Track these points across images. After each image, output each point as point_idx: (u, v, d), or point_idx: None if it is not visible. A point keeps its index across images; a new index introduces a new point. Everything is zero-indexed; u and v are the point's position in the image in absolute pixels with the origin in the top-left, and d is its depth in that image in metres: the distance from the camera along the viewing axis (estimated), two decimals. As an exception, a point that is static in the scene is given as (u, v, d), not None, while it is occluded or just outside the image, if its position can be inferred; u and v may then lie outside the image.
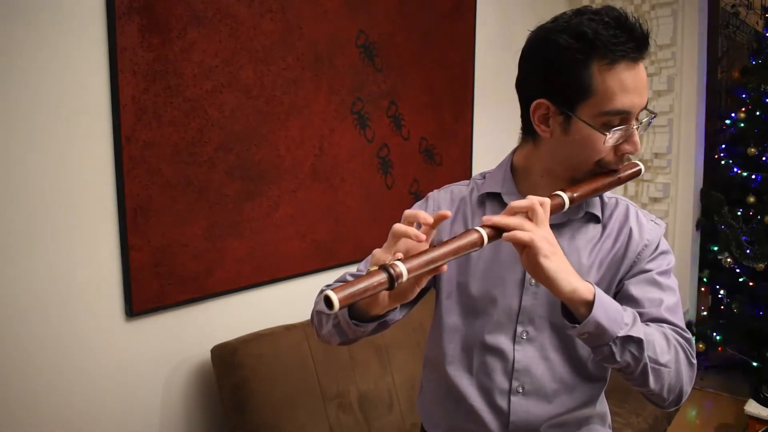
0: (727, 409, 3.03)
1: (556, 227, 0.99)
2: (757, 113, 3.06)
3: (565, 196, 0.90)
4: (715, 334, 3.16)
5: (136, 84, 1.56)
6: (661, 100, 3.10)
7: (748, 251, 2.94)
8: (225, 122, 1.77)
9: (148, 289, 1.64)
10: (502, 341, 1.02)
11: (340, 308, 0.68)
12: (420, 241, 0.80)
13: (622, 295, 0.98)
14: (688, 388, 0.92)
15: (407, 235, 0.79)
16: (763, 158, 3.04)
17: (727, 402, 3.11)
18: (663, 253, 1.01)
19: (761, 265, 2.92)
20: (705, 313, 3.43)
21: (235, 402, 1.70)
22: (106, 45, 1.51)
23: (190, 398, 1.80)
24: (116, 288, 1.59)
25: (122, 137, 1.55)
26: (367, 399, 1.89)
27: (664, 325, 0.93)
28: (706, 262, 3.32)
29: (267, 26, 1.85)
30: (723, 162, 3.27)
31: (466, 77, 2.65)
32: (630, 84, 0.88)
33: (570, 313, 0.87)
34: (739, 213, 3.04)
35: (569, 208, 0.92)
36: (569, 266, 0.84)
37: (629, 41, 0.87)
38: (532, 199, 0.84)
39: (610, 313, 0.83)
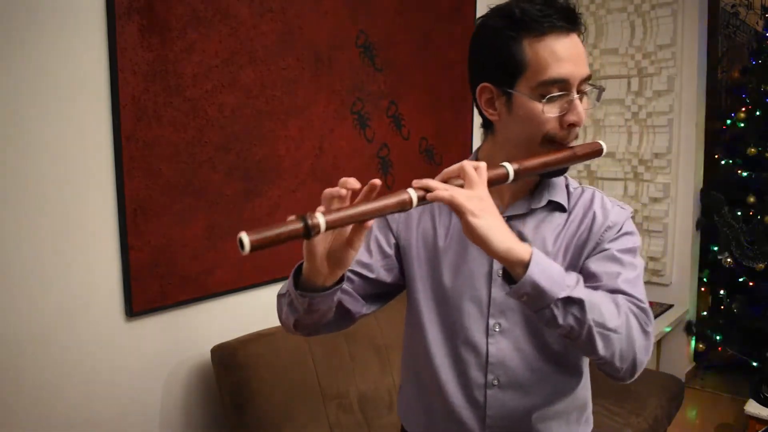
0: (727, 409, 3.03)
1: (520, 217, 1.01)
2: (757, 113, 3.06)
3: (510, 167, 0.88)
4: (715, 334, 3.16)
5: (136, 84, 1.56)
6: (661, 100, 3.10)
7: (748, 251, 2.94)
8: (225, 122, 1.77)
9: (148, 289, 1.64)
10: (476, 335, 1.02)
11: (251, 250, 0.70)
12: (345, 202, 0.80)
13: (583, 274, 0.96)
14: (642, 358, 0.90)
15: (332, 196, 0.80)
16: (763, 158, 3.04)
17: (727, 402, 3.11)
18: (627, 233, 1.00)
19: (761, 265, 2.92)
20: (705, 313, 3.43)
21: (235, 402, 1.70)
22: (106, 45, 1.51)
23: (190, 398, 1.80)
24: (116, 288, 1.59)
25: (122, 137, 1.55)
26: (367, 399, 1.90)
27: (619, 295, 0.92)
28: (706, 262, 3.32)
29: (267, 26, 1.85)
30: (723, 162, 3.27)
31: (466, 77, 2.65)
32: (562, 53, 0.90)
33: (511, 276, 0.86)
34: (739, 213, 3.04)
35: (515, 181, 0.91)
36: (503, 226, 0.83)
37: (556, 13, 0.90)
38: (463, 162, 0.85)
39: (549, 274, 0.82)
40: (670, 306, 3.18)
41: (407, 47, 2.34)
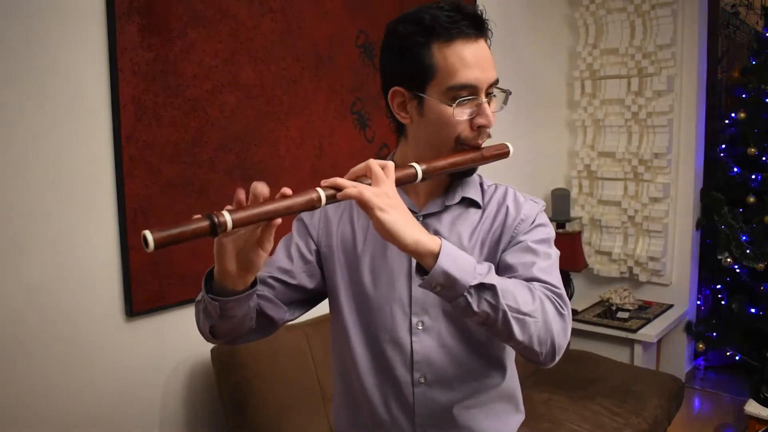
0: (727, 409, 3.03)
1: (436, 215, 1.04)
2: (757, 113, 3.05)
3: (418, 167, 0.91)
4: (715, 334, 3.16)
5: (136, 84, 1.56)
6: (661, 100, 3.10)
7: (748, 251, 2.94)
8: (225, 122, 1.77)
9: (148, 289, 1.64)
10: (400, 334, 1.03)
11: (156, 248, 0.69)
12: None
13: (500, 267, 1.00)
14: (561, 341, 0.92)
15: (240, 199, 0.80)
16: (763, 158, 3.03)
17: (727, 402, 3.11)
18: (540, 225, 1.03)
19: (761, 265, 2.92)
20: (705, 313, 3.43)
21: (235, 402, 1.70)
22: (106, 45, 1.51)
23: (190, 398, 1.80)
24: (116, 288, 1.59)
25: (122, 137, 1.55)
26: (367, 399, 1.89)
27: (534, 282, 0.94)
28: (706, 262, 3.32)
29: (267, 26, 1.85)
30: (723, 162, 3.27)
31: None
32: (470, 59, 0.93)
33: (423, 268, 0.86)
34: (739, 213, 3.04)
35: (424, 180, 0.93)
36: (411, 219, 0.85)
37: (463, 20, 0.93)
38: (369, 160, 0.87)
39: (459, 264, 0.83)
40: (670, 306, 3.18)
41: (407, 47, 2.34)
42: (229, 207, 0.78)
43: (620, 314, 3.02)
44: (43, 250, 1.45)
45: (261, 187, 0.80)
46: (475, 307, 0.84)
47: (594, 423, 2.12)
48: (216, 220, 0.73)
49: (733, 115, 3.22)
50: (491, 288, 0.84)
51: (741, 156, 3.15)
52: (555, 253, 1.01)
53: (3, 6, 1.34)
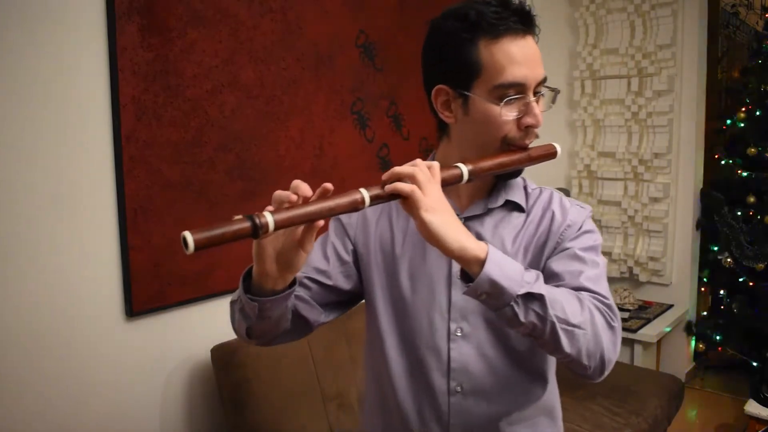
0: (727, 409, 3.03)
1: (478, 218, 1.00)
2: (757, 113, 3.05)
3: (464, 168, 0.88)
4: (715, 334, 3.16)
5: (136, 84, 1.56)
6: (661, 100, 3.10)
7: (748, 251, 2.94)
8: (225, 122, 1.77)
9: (148, 289, 1.64)
10: (437, 340, 0.99)
11: (196, 249, 0.66)
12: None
13: (545, 274, 0.95)
14: (611, 356, 0.88)
15: (282, 200, 0.77)
16: (763, 158, 3.03)
17: (727, 402, 3.11)
18: (587, 232, 0.99)
19: (761, 265, 2.92)
20: (705, 313, 3.43)
21: (235, 402, 1.70)
22: (106, 45, 1.51)
23: (190, 398, 1.80)
24: (116, 288, 1.59)
25: (122, 137, 1.55)
26: (367, 399, 1.89)
27: (583, 292, 0.90)
28: (706, 262, 3.32)
29: (267, 26, 1.85)
30: (723, 162, 3.27)
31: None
32: (518, 56, 0.89)
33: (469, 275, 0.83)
34: (739, 213, 3.04)
35: (470, 182, 0.90)
36: (459, 224, 0.82)
37: (511, 16, 0.90)
38: (417, 161, 0.84)
39: (506, 271, 0.80)
40: (670, 306, 3.18)
41: (407, 47, 2.34)
42: (269, 208, 0.76)
43: (620, 314, 3.02)
44: (43, 250, 1.45)
45: (303, 187, 0.77)
46: (521, 318, 0.81)
47: (594, 423, 2.12)
48: (258, 221, 0.70)
49: (733, 115, 3.22)
50: (539, 298, 0.81)
51: (741, 156, 3.14)
52: (602, 261, 0.97)
53: (2, 6, 1.34)
